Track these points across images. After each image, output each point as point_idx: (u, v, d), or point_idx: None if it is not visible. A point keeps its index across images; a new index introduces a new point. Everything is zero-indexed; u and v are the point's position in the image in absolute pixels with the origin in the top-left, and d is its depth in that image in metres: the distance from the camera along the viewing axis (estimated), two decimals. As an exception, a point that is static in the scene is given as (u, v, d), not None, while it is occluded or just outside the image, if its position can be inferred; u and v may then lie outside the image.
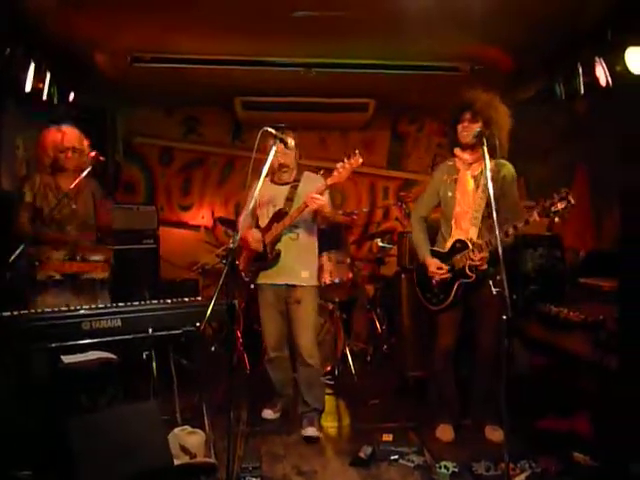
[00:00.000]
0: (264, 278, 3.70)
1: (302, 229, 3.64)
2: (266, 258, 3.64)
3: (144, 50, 4.24)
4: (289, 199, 3.63)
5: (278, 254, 3.61)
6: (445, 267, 3.38)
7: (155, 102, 5.80)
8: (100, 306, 2.98)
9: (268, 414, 3.84)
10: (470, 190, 3.38)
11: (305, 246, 3.68)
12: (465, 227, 3.38)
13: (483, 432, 3.49)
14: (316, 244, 3.77)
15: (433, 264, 3.41)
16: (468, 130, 3.31)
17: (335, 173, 3.36)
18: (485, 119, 3.26)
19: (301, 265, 3.64)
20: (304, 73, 4.59)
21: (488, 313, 3.35)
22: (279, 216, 3.62)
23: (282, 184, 3.71)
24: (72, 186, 3.38)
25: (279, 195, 3.68)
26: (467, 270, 3.31)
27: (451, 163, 3.53)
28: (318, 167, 4.94)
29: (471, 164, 3.42)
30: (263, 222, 3.72)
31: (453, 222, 3.42)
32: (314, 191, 3.41)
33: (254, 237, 3.67)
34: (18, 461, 2.50)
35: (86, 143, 3.52)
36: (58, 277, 3.33)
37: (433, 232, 3.62)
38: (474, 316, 3.47)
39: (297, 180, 3.70)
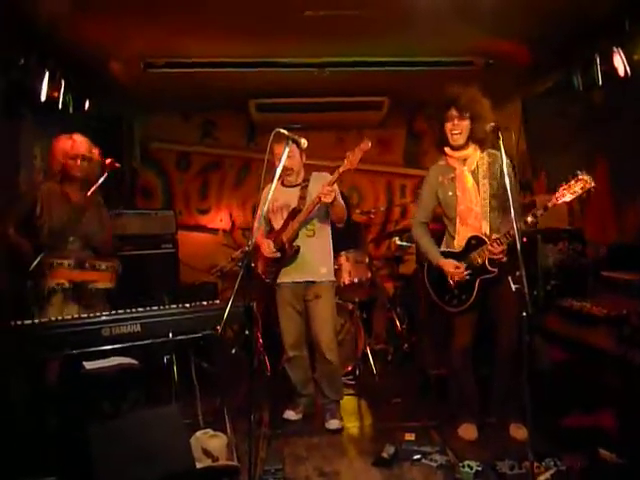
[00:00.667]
0: (284, 277, 3.75)
1: (318, 226, 3.71)
2: (285, 255, 3.69)
3: (157, 55, 4.27)
4: (302, 198, 3.69)
5: (297, 250, 3.67)
6: (462, 266, 3.34)
7: (170, 107, 5.84)
8: (120, 312, 2.99)
9: (290, 415, 3.85)
10: (470, 186, 3.36)
11: (321, 242, 3.75)
12: (472, 224, 3.36)
13: (507, 430, 3.45)
14: (331, 241, 3.83)
15: (450, 265, 3.36)
16: (457, 128, 3.30)
17: (345, 161, 3.39)
18: (472, 115, 3.25)
19: (319, 261, 3.71)
20: (317, 73, 4.58)
21: (507, 309, 3.31)
22: (294, 214, 3.68)
23: (292, 186, 3.77)
24: (89, 193, 3.42)
25: (291, 197, 3.74)
26: (488, 265, 3.27)
27: (443, 163, 3.50)
28: (335, 167, 4.99)
29: (465, 160, 3.40)
30: (278, 224, 3.77)
31: (458, 221, 3.39)
32: (325, 184, 3.45)
33: (268, 248, 3.72)
34: (42, 467, 2.53)
35: (95, 151, 3.51)
36: (67, 285, 3.32)
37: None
38: (493, 313, 3.43)
39: (306, 180, 3.77)
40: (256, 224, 2.85)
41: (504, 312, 3.36)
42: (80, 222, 3.43)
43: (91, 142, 3.50)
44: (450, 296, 3.41)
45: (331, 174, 3.56)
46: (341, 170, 3.42)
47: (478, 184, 3.35)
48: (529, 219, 3.10)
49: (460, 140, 3.33)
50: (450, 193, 3.42)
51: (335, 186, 3.48)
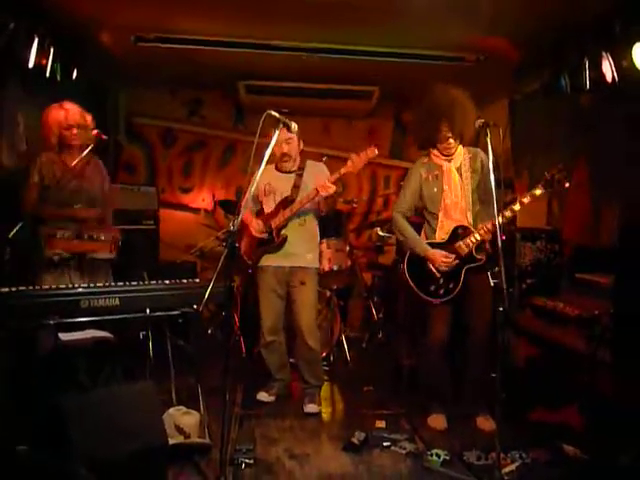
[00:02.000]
0: (268, 261, 3.75)
1: (309, 215, 3.73)
2: (272, 242, 3.70)
3: (148, 29, 4.21)
4: (296, 186, 3.70)
5: (285, 239, 3.68)
6: (451, 256, 3.38)
7: (158, 82, 5.76)
8: (99, 284, 2.98)
9: (263, 396, 3.87)
10: (457, 182, 3.44)
11: (311, 231, 3.78)
12: (456, 217, 3.44)
13: (474, 422, 3.52)
14: (318, 228, 3.86)
15: (438, 255, 3.39)
16: (451, 144, 3.38)
17: (349, 163, 3.41)
18: (464, 129, 3.32)
19: (306, 248, 3.74)
20: (307, 58, 4.56)
21: (482, 303, 3.40)
22: (286, 203, 3.68)
23: (287, 172, 3.77)
24: (74, 163, 3.39)
25: (285, 183, 3.74)
26: (475, 254, 3.35)
27: (426, 160, 3.54)
28: (321, 154, 5.00)
29: (451, 157, 3.46)
30: (269, 207, 3.78)
31: (442, 214, 3.45)
32: (324, 179, 3.48)
33: (258, 226, 3.73)
34: (15, 436, 2.52)
35: (89, 119, 3.52)
36: (65, 255, 3.31)
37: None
38: (467, 306, 3.48)
39: (301, 168, 3.77)
40: (244, 203, 2.83)
41: (478, 305, 3.43)
42: (80, 187, 3.46)
43: (82, 109, 3.49)
44: (436, 286, 3.42)
45: (326, 165, 3.61)
46: (342, 172, 3.44)
47: (462, 179, 3.42)
48: (507, 213, 3.23)
49: (453, 151, 3.44)
50: (435, 189, 3.47)
51: (336, 184, 3.50)
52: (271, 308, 3.79)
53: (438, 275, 3.41)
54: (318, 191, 3.46)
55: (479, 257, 3.36)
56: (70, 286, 2.92)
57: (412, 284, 3.49)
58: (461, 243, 3.38)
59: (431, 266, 3.41)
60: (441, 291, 3.42)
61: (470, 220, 3.43)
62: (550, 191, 3.21)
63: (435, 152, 3.49)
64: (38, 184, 3.37)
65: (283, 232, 3.69)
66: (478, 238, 3.32)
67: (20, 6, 3.43)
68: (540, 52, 4.25)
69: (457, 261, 3.38)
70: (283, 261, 3.72)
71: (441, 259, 3.38)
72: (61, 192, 3.40)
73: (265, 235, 3.71)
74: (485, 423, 3.48)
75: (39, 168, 3.38)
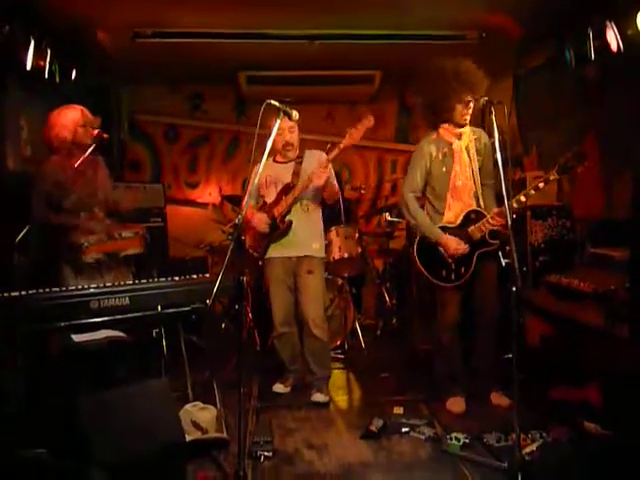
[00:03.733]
0: (274, 252, 3.72)
1: (312, 202, 3.70)
2: (277, 229, 3.67)
3: (145, 25, 4.19)
4: (295, 173, 3.66)
5: (289, 224, 3.65)
6: (464, 245, 3.33)
7: (158, 78, 5.75)
8: (107, 284, 2.98)
9: (279, 388, 3.86)
10: (467, 162, 3.38)
11: (315, 218, 3.75)
12: (466, 200, 3.38)
13: (489, 399, 3.51)
14: (321, 219, 3.82)
15: (452, 242, 3.33)
16: (469, 110, 3.30)
17: (347, 136, 3.35)
18: (480, 90, 3.25)
19: (312, 237, 3.70)
20: (308, 45, 4.52)
21: (491, 283, 3.40)
22: (287, 189, 3.65)
23: (286, 162, 3.74)
24: (78, 162, 3.38)
25: (284, 172, 3.70)
26: (489, 238, 3.30)
27: (434, 136, 3.46)
28: (325, 142, 4.94)
29: (461, 136, 3.41)
30: (270, 198, 3.74)
31: (449, 196, 3.40)
32: (321, 161, 3.44)
33: (260, 219, 3.69)
34: (32, 439, 2.52)
35: (98, 120, 3.54)
36: (102, 257, 3.35)
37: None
38: (476, 286, 3.45)
39: (300, 157, 3.73)
40: (246, 198, 2.80)
41: (488, 285, 3.41)
42: (97, 190, 3.49)
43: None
44: (447, 271, 3.38)
45: (326, 151, 3.54)
46: (342, 146, 3.39)
47: (471, 160, 3.37)
48: (522, 198, 3.16)
49: (468, 119, 3.35)
50: (444, 169, 3.40)
51: (329, 168, 3.46)
52: (281, 299, 3.76)
53: (450, 260, 3.37)
54: (311, 179, 3.44)
55: (493, 241, 3.31)
56: (79, 287, 2.91)
57: (423, 269, 3.44)
58: (474, 228, 3.33)
59: (443, 251, 3.38)
60: (453, 276, 3.38)
61: (480, 203, 3.39)
62: (564, 176, 3.15)
63: (446, 126, 3.41)
64: (45, 192, 3.34)
65: (287, 218, 3.65)
66: (492, 223, 3.26)
67: (14, 8, 3.41)
68: (543, 25, 4.17)
69: (468, 247, 3.33)
70: (289, 251, 3.69)
71: (454, 246, 3.32)
72: (73, 196, 3.40)
73: (268, 228, 3.67)
74: (500, 399, 3.48)
75: (47, 175, 3.36)
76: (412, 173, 3.51)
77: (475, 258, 3.34)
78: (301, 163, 3.70)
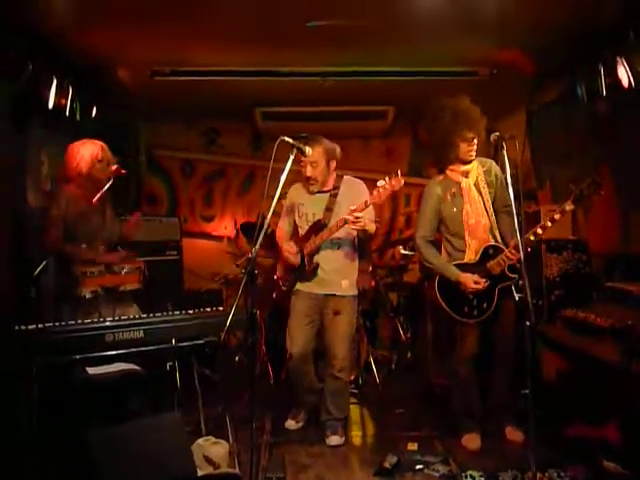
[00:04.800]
0: (301, 285, 3.65)
1: (343, 239, 3.59)
2: (304, 270, 3.59)
3: (163, 63, 4.30)
4: (328, 209, 3.56)
5: (316, 267, 3.57)
6: (482, 280, 3.32)
7: (176, 115, 5.88)
8: (123, 317, 3.00)
9: (291, 424, 3.81)
10: (477, 199, 3.39)
11: (346, 255, 3.63)
12: (482, 236, 3.38)
13: (503, 434, 3.47)
14: (357, 253, 3.70)
15: (470, 279, 3.32)
16: (473, 147, 3.35)
17: (375, 193, 3.25)
18: (480, 128, 3.33)
19: (341, 275, 3.59)
20: (321, 82, 4.60)
21: (507, 317, 3.37)
22: (318, 227, 3.56)
23: (320, 192, 3.63)
24: (95, 199, 3.45)
25: (316, 204, 3.61)
26: (508, 272, 3.29)
27: (441, 178, 3.49)
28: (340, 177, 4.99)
29: (468, 173, 3.43)
30: (302, 231, 3.67)
31: (467, 235, 3.39)
32: (354, 207, 3.29)
33: (290, 249, 3.61)
34: (45, 473, 2.53)
35: (117, 158, 3.62)
36: (100, 291, 3.35)
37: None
38: (496, 320, 3.42)
39: (337, 187, 3.62)
40: (262, 232, 2.78)
41: (506, 320, 3.39)
42: (104, 225, 3.55)
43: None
44: (470, 307, 3.36)
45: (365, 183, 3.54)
46: (369, 202, 3.29)
47: (482, 195, 3.38)
48: (538, 231, 3.16)
49: (474, 156, 3.39)
50: (455, 209, 3.41)
51: (370, 212, 3.41)
52: (301, 333, 3.64)
53: (471, 297, 3.35)
54: (345, 221, 3.33)
55: (512, 275, 3.30)
56: (95, 320, 2.94)
57: (445, 306, 3.41)
58: (493, 263, 3.32)
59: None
60: (475, 312, 3.37)
61: (498, 237, 3.40)
62: (579, 206, 3.15)
63: (453, 167, 3.45)
64: (60, 218, 3.38)
65: (315, 259, 3.56)
66: (510, 257, 3.25)
67: (37, 47, 3.53)
68: (555, 61, 4.21)
69: (488, 282, 3.32)
70: (316, 288, 3.60)
71: (472, 284, 3.31)
72: (84, 227, 3.44)
73: (297, 259, 3.58)
74: (514, 434, 3.46)
75: (61, 202, 3.41)
76: (422, 218, 3.53)
77: (497, 293, 3.33)
78: (336, 196, 3.58)
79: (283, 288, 3.72)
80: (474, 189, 3.40)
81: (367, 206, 3.31)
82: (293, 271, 3.65)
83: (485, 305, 3.35)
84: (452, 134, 3.32)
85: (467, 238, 3.40)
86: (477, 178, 3.42)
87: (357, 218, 3.26)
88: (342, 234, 3.55)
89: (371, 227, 3.49)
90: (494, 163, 3.48)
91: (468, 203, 3.39)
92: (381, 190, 3.21)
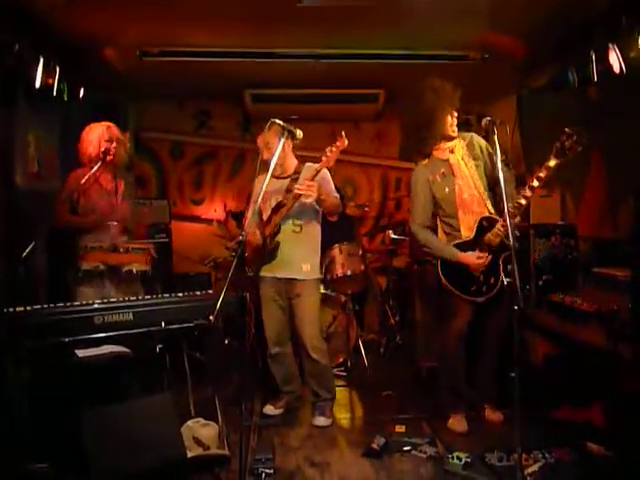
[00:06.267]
0: (265, 271, 3.68)
1: (305, 221, 3.62)
2: (264, 249, 3.62)
3: (152, 44, 4.23)
4: (288, 191, 3.58)
5: (276, 246, 3.59)
6: (484, 254, 3.31)
7: (165, 96, 5.81)
8: (112, 300, 3.00)
9: (269, 410, 3.81)
10: (467, 173, 3.39)
11: (308, 239, 3.66)
12: (476, 209, 3.37)
13: (483, 414, 3.56)
14: (319, 237, 3.74)
15: (471, 257, 3.31)
16: (454, 118, 3.40)
17: (323, 158, 3.34)
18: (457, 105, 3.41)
19: (302, 258, 3.61)
20: (313, 64, 4.56)
21: (497, 299, 3.37)
22: (278, 208, 3.60)
23: (283, 178, 3.67)
24: (83, 181, 3.44)
25: (280, 188, 3.64)
26: (507, 240, 3.20)
27: (426, 162, 3.50)
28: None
29: (453, 149, 3.44)
30: (266, 216, 3.70)
31: (460, 212, 3.40)
32: (323, 181, 3.41)
33: (254, 235, 3.66)
34: (34, 455, 2.53)
35: (126, 137, 3.71)
36: (102, 267, 3.42)
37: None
38: (488, 305, 3.44)
39: (297, 172, 3.66)
40: (248, 214, 2.80)
41: (494, 302, 3.39)
42: (115, 207, 3.61)
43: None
44: (477, 285, 3.35)
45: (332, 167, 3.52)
46: (318, 168, 3.38)
47: (468, 168, 3.38)
48: (527, 193, 3.14)
49: (456, 131, 3.42)
50: (447, 189, 3.41)
51: (320, 181, 3.42)
52: (273, 319, 3.69)
53: (477, 274, 3.34)
54: (298, 194, 3.39)
55: (509, 243, 3.26)
56: (84, 302, 2.94)
57: (452, 288, 3.39)
58: (490, 235, 3.29)
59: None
60: (484, 288, 3.35)
61: (491, 209, 3.37)
62: (564, 159, 3.12)
63: (438, 146, 3.45)
64: (69, 199, 3.47)
65: (277, 239, 3.59)
66: (505, 225, 3.20)
67: (24, 26, 3.47)
68: (546, 46, 4.20)
69: (490, 255, 3.31)
70: (279, 272, 3.62)
71: (475, 261, 3.30)
72: (95, 208, 3.54)
73: (259, 240, 3.63)
74: (493, 415, 3.54)
75: (71, 182, 3.49)
76: (415, 204, 3.54)
77: (501, 263, 3.32)
78: (297, 179, 3.61)
79: (250, 274, 3.73)
80: (462, 163, 3.40)
81: (317, 172, 3.37)
82: (258, 255, 3.67)
83: (492, 279, 3.33)
84: (436, 110, 3.35)
85: (461, 215, 3.39)
86: (462, 152, 3.43)
87: (308, 187, 3.31)
88: (304, 217, 3.59)
89: (330, 199, 3.50)
90: (475, 135, 3.50)
91: (460, 178, 3.39)
92: (329, 154, 3.30)
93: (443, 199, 3.44)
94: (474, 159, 3.42)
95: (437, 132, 3.40)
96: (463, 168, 3.40)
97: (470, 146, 3.45)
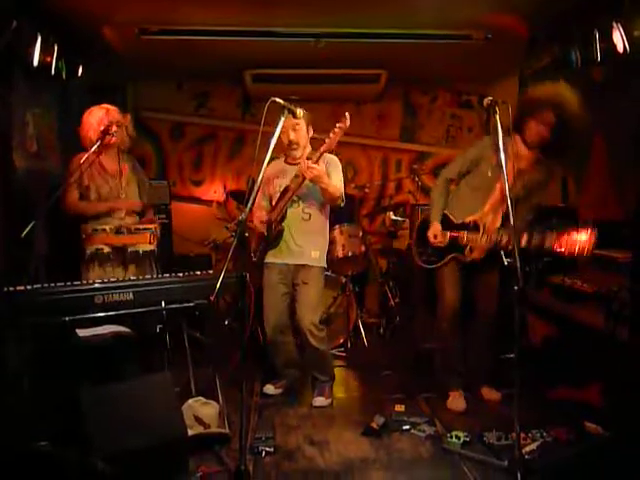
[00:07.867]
0: (271, 257, 3.67)
1: (315, 209, 3.60)
2: (269, 235, 3.61)
3: (151, 21, 4.19)
4: (297, 176, 3.53)
5: (280, 232, 3.58)
6: (442, 239, 3.44)
7: (164, 76, 5.76)
8: (112, 279, 3.00)
9: (269, 389, 3.82)
10: (515, 184, 3.28)
11: (317, 227, 3.65)
12: (495, 215, 3.38)
13: (480, 393, 3.61)
14: (327, 225, 3.74)
15: (432, 232, 3.47)
16: (542, 132, 3.28)
17: (326, 140, 3.32)
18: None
19: (312, 245, 3.61)
20: (314, 44, 4.52)
21: (490, 278, 3.48)
22: (284, 193, 3.58)
23: (295, 163, 3.62)
24: (82, 161, 3.42)
25: (291, 175, 3.59)
26: (466, 250, 3.41)
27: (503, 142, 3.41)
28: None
29: (523, 158, 3.36)
30: (274, 201, 3.68)
31: (488, 205, 3.39)
32: (332, 168, 3.43)
33: (258, 218, 3.66)
34: (35, 433, 2.55)
35: (127, 119, 3.68)
36: (107, 250, 3.44)
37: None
38: (477, 281, 3.52)
39: (309, 158, 3.57)
40: (251, 197, 2.76)
41: (487, 280, 3.49)
42: (120, 191, 3.62)
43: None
44: (423, 250, 3.64)
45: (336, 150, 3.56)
46: (321, 150, 3.35)
47: (516, 183, 3.30)
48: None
49: (535, 143, 3.34)
50: (490, 174, 3.36)
51: (321, 165, 3.38)
52: (274, 306, 3.67)
53: (430, 244, 3.52)
54: (303, 176, 3.37)
55: (472, 255, 3.40)
56: (84, 282, 2.94)
57: (414, 240, 3.73)
58: (463, 234, 3.39)
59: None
60: (423, 257, 3.64)
61: (499, 222, 3.39)
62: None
63: (518, 138, 3.38)
64: (78, 185, 3.50)
65: (287, 230, 3.57)
66: (477, 242, 3.34)
67: (22, 4, 3.43)
68: (549, 26, 4.16)
69: (443, 245, 3.46)
70: (287, 258, 3.61)
71: (432, 234, 3.47)
72: (100, 192, 3.56)
73: (264, 227, 3.62)
74: (490, 393, 3.60)
75: (76, 168, 3.46)
76: (458, 161, 3.58)
77: (448, 259, 3.48)
78: None
79: (254, 259, 3.73)
80: (522, 177, 3.27)
81: (321, 154, 3.35)
82: (262, 240, 3.67)
83: (433, 259, 3.56)
84: (525, 108, 3.36)
85: (484, 206, 3.40)
86: (525, 169, 3.34)
87: (309, 168, 3.30)
88: (314, 205, 3.59)
89: (330, 189, 3.43)
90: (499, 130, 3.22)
91: (503, 179, 3.01)
92: (332, 135, 3.30)
93: (482, 177, 3.42)
94: (529, 187, 3.36)
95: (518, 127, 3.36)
96: (517, 178, 3.18)
97: (537, 173, 3.39)
